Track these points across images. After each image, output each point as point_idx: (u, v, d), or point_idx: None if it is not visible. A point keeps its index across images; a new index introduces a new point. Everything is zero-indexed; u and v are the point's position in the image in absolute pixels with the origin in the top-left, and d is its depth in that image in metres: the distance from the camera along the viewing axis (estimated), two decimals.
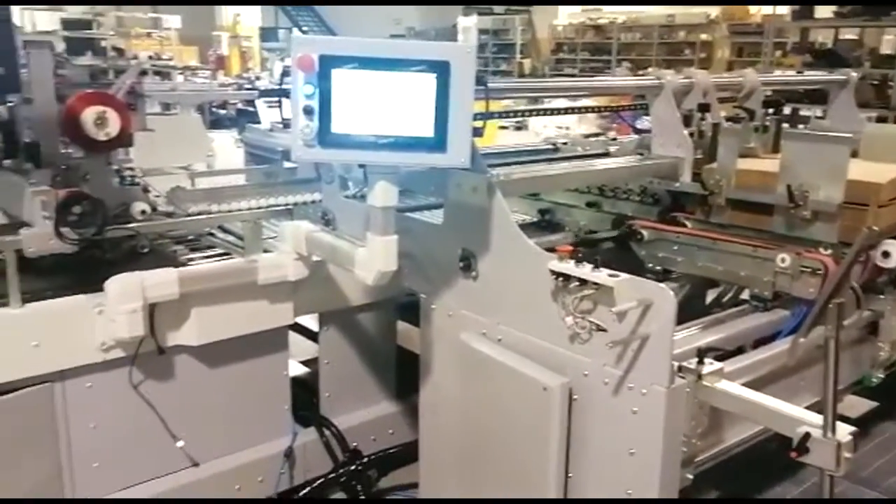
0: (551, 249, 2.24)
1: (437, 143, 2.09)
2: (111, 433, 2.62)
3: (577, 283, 2.12)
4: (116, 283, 2.43)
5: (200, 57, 17.37)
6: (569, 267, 2.14)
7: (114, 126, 2.61)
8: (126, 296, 2.43)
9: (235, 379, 2.88)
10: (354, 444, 3.17)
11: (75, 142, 2.62)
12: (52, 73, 2.62)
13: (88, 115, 2.54)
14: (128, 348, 2.55)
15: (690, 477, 2.15)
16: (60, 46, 12.35)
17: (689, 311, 2.65)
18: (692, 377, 2.07)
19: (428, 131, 2.08)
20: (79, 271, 2.59)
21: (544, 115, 4.48)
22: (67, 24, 14.61)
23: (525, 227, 3.19)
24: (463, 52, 2.08)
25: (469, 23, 2.73)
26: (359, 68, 2.04)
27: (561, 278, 2.16)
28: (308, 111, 2.02)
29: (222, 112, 13.02)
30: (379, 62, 2.05)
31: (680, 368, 2.07)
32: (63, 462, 2.54)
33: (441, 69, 2.05)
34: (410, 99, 2.07)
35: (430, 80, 2.05)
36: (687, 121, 3.25)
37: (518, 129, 7.97)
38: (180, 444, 2.75)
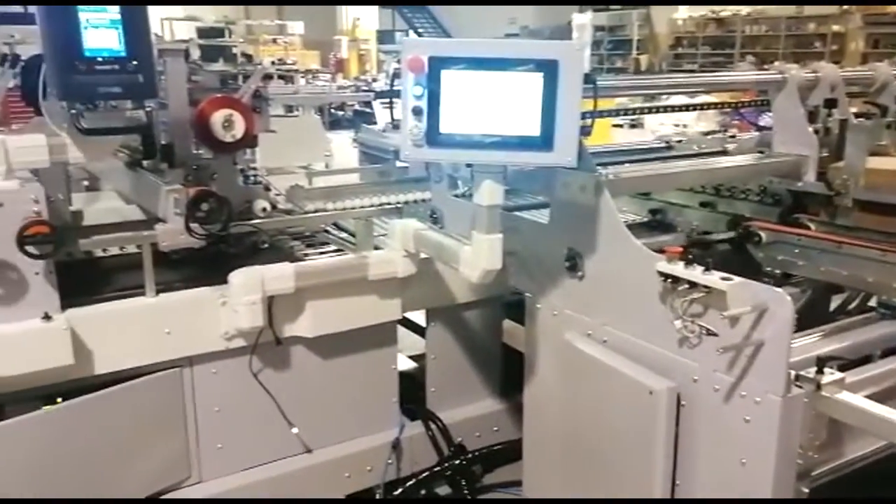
0: (661, 250, 2.19)
1: (544, 141, 2.09)
2: (233, 417, 2.79)
3: (687, 286, 2.06)
4: (239, 277, 2.58)
5: (322, 61, 18.03)
6: (678, 269, 2.08)
7: (239, 128, 2.77)
8: (247, 288, 2.58)
9: (347, 371, 2.99)
10: (459, 439, 3.22)
11: (204, 143, 2.80)
12: (187, 79, 2.81)
13: (216, 118, 2.71)
14: (248, 338, 2.70)
15: (806, 491, 2.04)
16: (196, 54, 13.14)
17: (810, 317, 2.51)
18: (810, 387, 1.96)
19: (534, 130, 2.09)
20: (206, 264, 2.77)
21: (658, 112, 4.35)
22: (202, 32, 15.55)
23: (634, 227, 3.12)
24: (571, 50, 2.07)
25: (584, 20, 2.70)
26: (467, 69, 2.07)
27: (670, 280, 2.11)
28: (417, 112, 2.07)
29: (340, 113, 13.48)
30: (486, 62, 2.07)
31: (797, 377, 1.97)
32: (190, 442, 2.73)
33: (548, 68, 2.05)
34: (517, 98, 2.08)
35: (538, 79, 2.06)
36: (812, 117, 3.08)
37: (633, 126, 7.79)
38: (295, 430, 2.89)
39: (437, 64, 2.04)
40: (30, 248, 2.20)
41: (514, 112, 2.08)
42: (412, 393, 3.26)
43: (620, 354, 2.32)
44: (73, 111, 2.22)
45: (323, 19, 20.43)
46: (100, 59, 2.13)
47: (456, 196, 2.69)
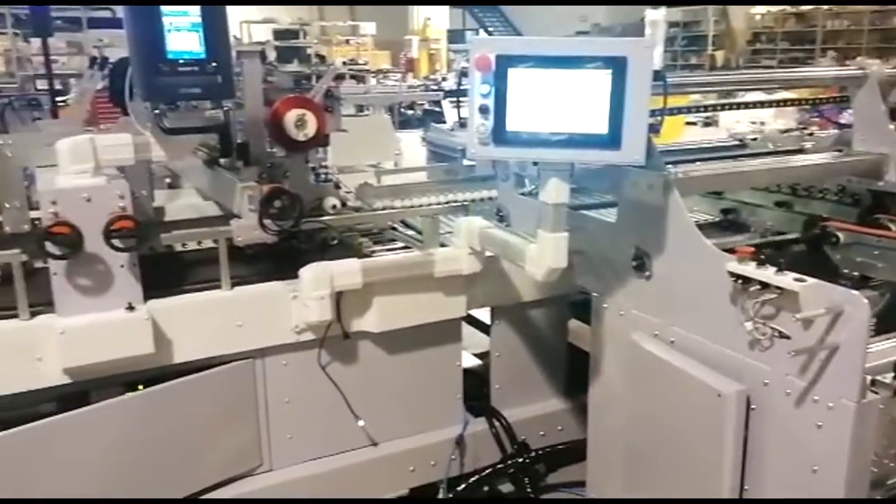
0: (732, 250, 2.15)
1: (612, 139, 2.08)
2: (302, 408, 2.86)
3: (759, 287, 2.02)
4: (309, 272, 2.65)
5: (392, 60, 18.23)
6: (749, 269, 2.04)
7: (311, 127, 2.84)
8: (317, 283, 2.65)
9: (412, 366, 3.03)
10: (523, 437, 3.23)
11: (278, 142, 2.88)
12: (262, 80, 2.91)
13: (290, 117, 2.79)
14: (317, 331, 2.77)
15: (880, 498, 1.97)
16: (272, 55, 13.52)
17: (890, 321, 2.42)
18: (887, 392, 1.89)
19: (602, 128, 2.08)
20: (278, 259, 2.86)
21: (733, 109, 4.23)
22: (278, 34, 15.97)
23: (705, 227, 3.07)
24: (640, 47, 2.05)
25: (657, 16, 2.67)
26: (534, 67, 2.08)
27: (741, 281, 2.07)
28: (484, 110, 2.09)
29: (410, 112, 13.62)
30: (554, 60, 2.08)
31: (873, 382, 1.91)
32: (262, 431, 2.82)
33: (617, 65, 2.04)
34: (585, 96, 2.07)
35: (606, 76, 2.05)
36: (894, 115, 2.96)
37: (707, 124, 7.59)
38: (361, 423, 2.95)
39: (505, 62, 2.06)
40: (115, 242, 2.32)
41: (581, 110, 2.08)
42: (476, 390, 3.28)
43: (688, 356, 2.28)
44: (157, 111, 2.33)
45: (394, 20, 20.66)
46: (181, 61, 2.24)
47: (522, 194, 2.70)
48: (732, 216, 3.27)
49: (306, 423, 2.89)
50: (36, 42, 12.20)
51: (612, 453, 2.66)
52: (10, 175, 2.58)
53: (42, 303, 2.39)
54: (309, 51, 16.16)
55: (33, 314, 2.36)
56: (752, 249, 2.10)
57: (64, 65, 11.57)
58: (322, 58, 15.99)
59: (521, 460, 3.19)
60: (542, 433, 3.29)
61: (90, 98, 3.11)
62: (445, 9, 19.88)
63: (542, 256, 2.30)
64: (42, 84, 10.09)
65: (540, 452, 3.25)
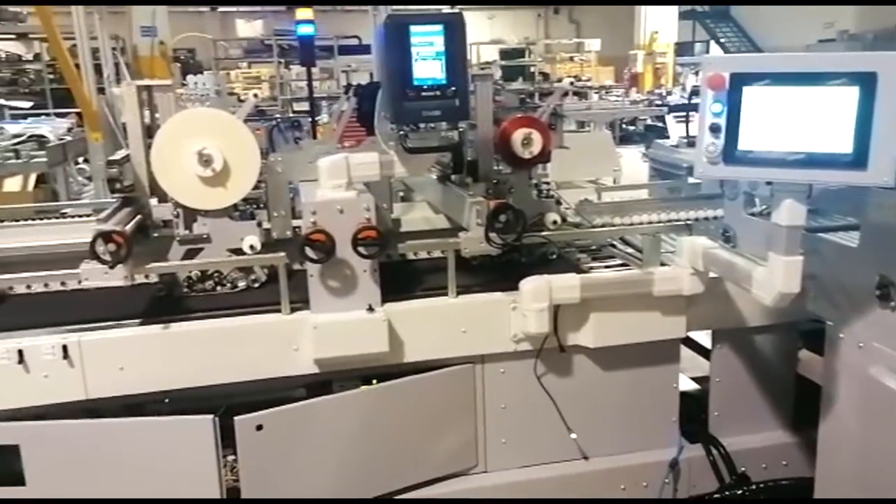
0: None
1: (857, 160, 1.96)
2: (517, 415, 2.98)
3: None
4: (529, 284, 2.77)
5: (616, 76, 18.04)
6: None
7: (537, 145, 2.96)
8: (536, 296, 2.75)
9: (627, 384, 3.03)
10: (743, 468, 3.08)
11: (505, 159, 3.04)
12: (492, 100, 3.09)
13: (517, 136, 2.93)
14: (534, 342, 2.88)
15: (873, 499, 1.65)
16: (497, 74, 14.03)
17: None
18: None
19: (846, 147, 1.97)
20: (500, 271, 3.01)
21: None
22: (504, 53, 16.52)
23: None
24: (892, 61, 1.91)
25: None
26: (772, 84, 2.03)
27: None
28: (715, 129, 2.07)
29: (632, 128, 13.41)
30: (794, 77, 2.01)
31: None
32: (479, 433, 2.98)
33: (865, 81, 1.92)
34: (827, 114, 1.98)
35: (852, 93, 1.94)
36: None
37: None
38: (574, 436, 3.00)
39: (739, 80, 2.03)
40: (361, 249, 2.59)
41: (822, 128, 1.99)
42: (693, 415, 3.19)
43: None
44: (401, 132, 2.58)
45: (620, 34, 20.42)
46: (425, 87, 2.46)
47: (751, 214, 2.60)
48: None
49: (520, 430, 3.00)
50: (295, 68, 13.80)
51: (843, 495, 2.46)
52: (279, 188, 2.98)
53: (299, 300, 2.73)
54: (533, 69, 16.52)
55: (293, 310, 2.71)
56: None
57: (316, 89, 12.92)
58: (545, 75, 16.30)
59: (740, 492, 3.05)
60: (763, 466, 3.12)
61: (344, 119, 3.47)
62: (674, 21, 19.24)
63: (771, 280, 2.21)
64: (299, 106, 11.37)
65: (761, 486, 3.08)
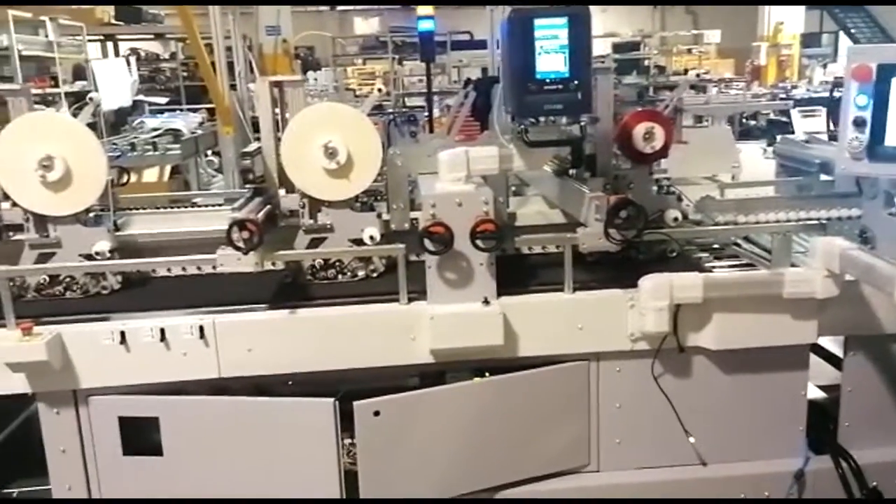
0: None
1: None
2: (632, 415, 2.92)
3: None
4: (649, 282, 2.70)
5: (736, 69, 17.30)
6: None
7: (659, 140, 2.89)
8: (656, 294, 2.68)
9: (750, 389, 2.91)
10: (874, 483, 2.90)
11: (625, 154, 2.98)
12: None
13: (638, 130, 2.87)
14: (652, 342, 2.81)
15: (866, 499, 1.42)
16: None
17: None
18: None
19: None
20: (616, 267, 2.96)
21: None
22: (618, 47, 16.14)
23: None
24: None
25: None
26: None
27: None
28: (859, 123, 1.96)
29: (752, 123, 12.80)
30: None
31: None
32: (591, 432, 2.94)
33: None
34: None
35: None
36: None
37: None
38: (692, 440, 2.91)
39: (888, 72, 1.90)
40: (479, 242, 2.61)
41: None
42: (820, 425, 3.03)
43: None
44: (522, 126, 2.57)
45: (741, 26, 19.54)
46: (548, 81, 2.45)
47: (891, 214, 2.44)
48: None
49: (635, 431, 2.94)
50: (408, 64, 14.05)
51: None
52: (399, 181, 3.05)
53: (416, 291, 2.78)
54: (647, 62, 16.07)
55: (410, 300, 2.76)
56: None
57: (425, 84, 13.11)
58: (661, 69, 15.81)
59: None
60: None
61: (463, 113, 3.51)
62: (801, 11, 18.23)
63: None
64: (412, 101, 11.59)
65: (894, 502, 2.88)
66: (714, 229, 3.04)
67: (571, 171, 3.07)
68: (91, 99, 2.86)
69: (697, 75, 10.49)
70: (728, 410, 2.93)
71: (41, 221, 2.81)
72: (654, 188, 3.18)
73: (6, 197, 2.79)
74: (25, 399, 2.71)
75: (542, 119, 2.62)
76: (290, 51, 8.89)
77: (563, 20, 2.40)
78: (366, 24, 17.09)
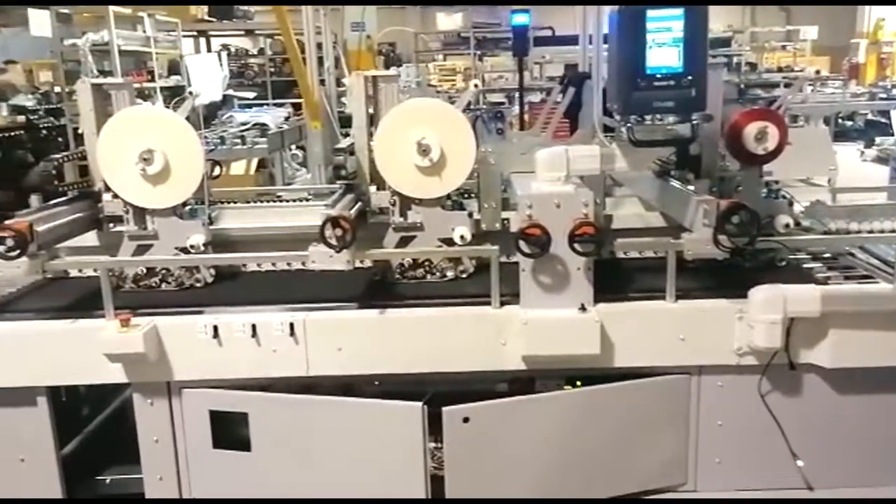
0: None
1: None
2: (735, 434, 2.75)
3: None
4: (761, 293, 2.52)
5: (832, 66, 16.48)
6: None
7: (772, 140, 2.70)
8: (768, 306, 2.51)
9: (867, 411, 2.70)
10: None
11: (734, 155, 2.80)
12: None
13: (750, 130, 2.69)
14: (761, 357, 2.63)
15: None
16: None
17: None
18: None
19: None
20: (720, 275, 2.78)
21: None
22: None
23: None
24: None
25: None
26: None
27: None
28: None
29: (849, 123, 12.13)
30: None
31: None
32: (689, 449, 2.78)
33: None
34: None
35: None
36: None
37: None
38: (800, 463, 2.72)
39: None
40: (577, 246, 2.49)
41: None
42: None
43: None
44: (628, 124, 2.43)
45: (839, 23, 18.61)
46: (658, 76, 2.30)
47: None
48: None
49: (737, 450, 2.77)
50: (489, 60, 13.93)
51: None
52: (491, 179, 2.95)
53: (507, 293, 2.67)
54: (737, 59, 15.44)
55: (502, 303, 2.66)
56: None
57: (507, 80, 12.95)
58: (753, 66, 15.16)
59: None
60: None
61: (559, 111, 3.38)
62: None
63: None
64: (493, 98, 11.48)
65: None
66: (831, 238, 2.83)
67: (674, 172, 2.91)
68: (191, 93, 2.87)
69: (817, 72, 9.91)
70: (840, 433, 2.73)
71: (140, 214, 2.85)
72: (764, 192, 2.99)
73: (107, 189, 2.83)
74: (118, 386, 2.75)
75: (648, 117, 2.47)
76: (374, 47, 8.91)
77: (679, 11, 2.25)
78: (449, 20, 17.03)
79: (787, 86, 12.16)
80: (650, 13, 2.26)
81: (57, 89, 8.58)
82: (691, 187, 2.77)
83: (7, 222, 2.51)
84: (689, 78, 2.30)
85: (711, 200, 2.51)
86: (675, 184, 2.84)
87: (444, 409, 2.57)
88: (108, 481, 2.87)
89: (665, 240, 2.72)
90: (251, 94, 11.02)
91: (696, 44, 2.28)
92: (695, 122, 2.41)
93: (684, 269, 2.78)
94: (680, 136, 2.49)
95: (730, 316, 2.62)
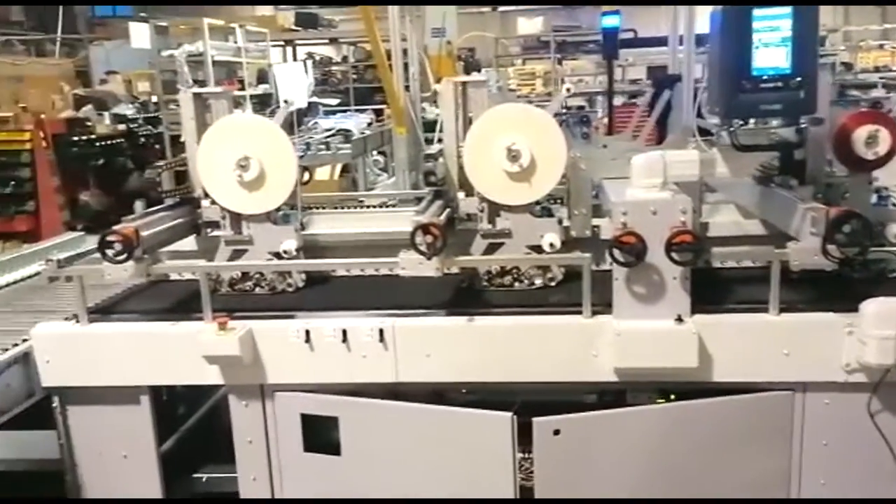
0: None
1: None
2: (841, 456, 2.59)
3: None
4: (874, 306, 2.38)
5: None
6: None
7: (884, 145, 2.56)
8: (881, 321, 2.36)
9: None
10: None
11: (842, 160, 2.66)
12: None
13: (860, 134, 2.55)
14: (871, 375, 2.47)
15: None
16: None
17: None
18: None
19: None
20: (825, 287, 2.63)
21: None
22: None
23: None
24: None
25: None
26: None
27: None
28: None
29: None
30: None
31: None
32: (792, 470, 2.63)
33: None
34: None
35: None
36: None
37: None
38: None
39: None
40: (675, 255, 2.40)
41: None
42: None
43: None
44: (731, 128, 2.33)
45: None
46: (765, 78, 2.20)
47: None
48: None
49: (843, 473, 2.61)
50: (569, 64, 13.81)
51: None
52: (582, 185, 2.89)
53: (598, 303, 2.60)
54: (832, 59, 14.77)
55: (593, 313, 2.60)
56: None
57: (588, 84, 12.79)
58: (848, 66, 14.48)
59: None
60: None
61: (654, 115, 3.29)
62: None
63: None
64: (572, 101, 11.34)
65: None
66: None
67: (776, 178, 2.78)
68: (286, 102, 2.93)
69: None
70: None
71: (236, 219, 2.92)
72: (874, 198, 2.82)
73: (206, 195, 2.91)
74: (211, 386, 2.83)
75: (751, 121, 2.36)
76: (454, 52, 8.95)
77: (788, 9, 2.14)
78: (529, 24, 16.97)
79: (885, 86, 11.55)
80: (756, 12, 2.16)
81: (154, 99, 8.98)
82: (796, 194, 2.64)
83: (115, 227, 2.62)
84: (798, 79, 2.19)
85: (820, 208, 2.38)
86: (781, 191, 2.72)
87: (535, 420, 2.52)
88: (204, 479, 2.95)
89: (769, 249, 2.58)
90: (334, 101, 11.26)
91: (806, 43, 2.17)
92: (802, 125, 2.29)
93: (787, 279, 2.64)
94: (787, 141, 2.38)
95: (838, 330, 2.48)
